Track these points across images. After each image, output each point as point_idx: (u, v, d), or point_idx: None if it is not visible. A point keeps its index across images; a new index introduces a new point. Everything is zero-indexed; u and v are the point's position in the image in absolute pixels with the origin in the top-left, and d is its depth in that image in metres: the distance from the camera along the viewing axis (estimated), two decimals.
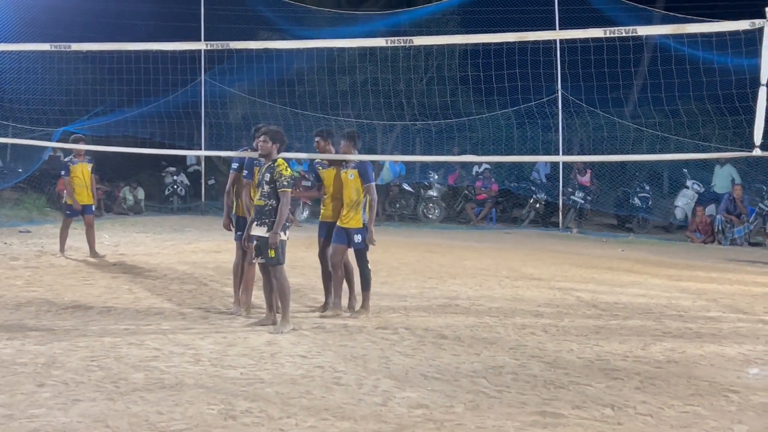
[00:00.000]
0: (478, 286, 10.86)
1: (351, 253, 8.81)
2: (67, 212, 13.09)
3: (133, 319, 8.21)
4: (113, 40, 12.56)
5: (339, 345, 7.32)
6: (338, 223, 8.71)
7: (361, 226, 8.65)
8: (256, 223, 7.92)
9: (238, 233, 8.72)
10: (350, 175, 8.71)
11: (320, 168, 9.05)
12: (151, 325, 7.96)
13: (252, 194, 8.65)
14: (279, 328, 7.79)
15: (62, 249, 12.86)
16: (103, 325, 7.83)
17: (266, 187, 7.84)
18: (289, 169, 7.94)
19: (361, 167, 8.71)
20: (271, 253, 7.75)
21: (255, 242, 7.98)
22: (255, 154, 8.43)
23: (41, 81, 19.61)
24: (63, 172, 12.94)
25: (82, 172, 12.87)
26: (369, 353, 7.02)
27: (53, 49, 11.14)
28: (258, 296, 8.72)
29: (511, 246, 16.00)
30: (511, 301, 9.84)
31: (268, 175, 7.85)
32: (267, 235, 7.78)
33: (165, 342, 7.20)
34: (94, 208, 13.38)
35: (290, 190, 7.84)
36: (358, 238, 8.64)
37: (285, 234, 7.89)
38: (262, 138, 8.00)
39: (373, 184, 8.78)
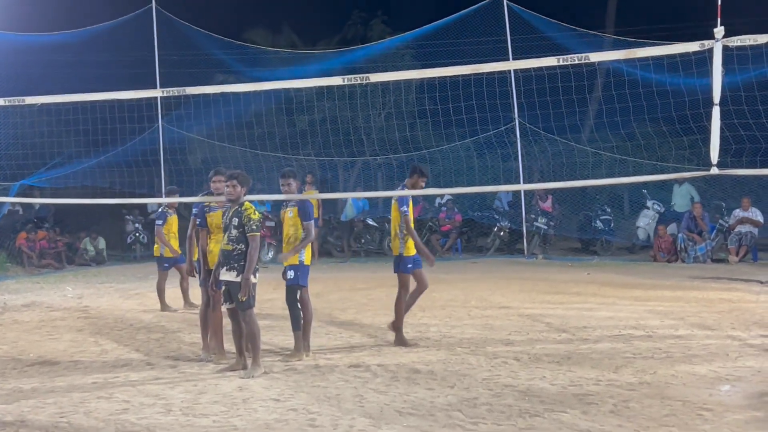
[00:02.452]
0: (447, 318, 10.85)
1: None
2: (165, 265, 12.65)
3: (101, 372, 8.06)
4: (67, 91, 12.43)
5: (312, 386, 7.25)
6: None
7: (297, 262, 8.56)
8: (225, 268, 7.81)
9: (203, 278, 8.65)
10: (290, 213, 8.69)
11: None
12: (119, 377, 7.82)
13: (208, 240, 8.65)
14: (250, 372, 7.70)
15: (164, 305, 12.33)
16: (70, 380, 7.68)
17: (234, 232, 7.75)
18: (257, 212, 7.87)
19: (300, 204, 8.66)
20: (242, 298, 7.67)
21: (223, 287, 7.90)
22: (219, 199, 8.39)
23: None
24: (160, 222, 12.47)
25: (173, 222, 12.62)
26: (342, 392, 6.96)
27: (7, 104, 11.05)
28: (228, 341, 8.62)
29: (479, 275, 16.03)
30: (482, 330, 9.84)
31: (236, 219, 7.76)
32: (237, 279, 7.69)
33: (134, 393, 7.08)
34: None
35: (259, 233, 7.79)
36: (290, 274, 8.55)
37: (255, 277, 7.82)
38: (231, 182, 7.85)
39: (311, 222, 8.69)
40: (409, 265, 9.02)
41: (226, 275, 7.79)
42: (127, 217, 22.52)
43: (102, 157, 20.48)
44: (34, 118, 19.25)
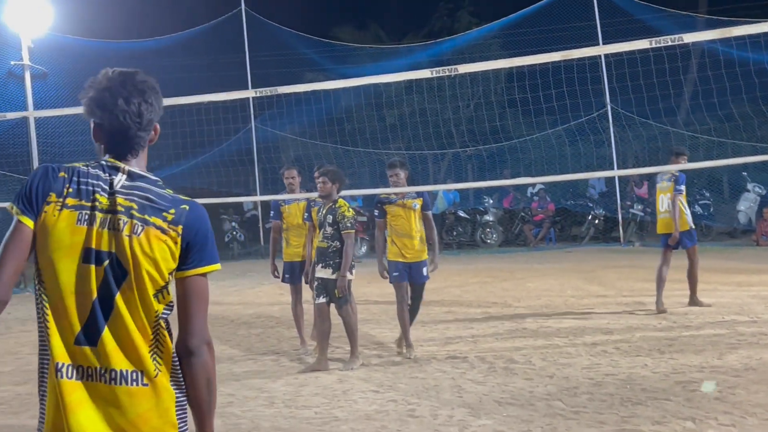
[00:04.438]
0: (543, 308, 10.77)
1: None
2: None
3: None
4: (162, 95, 12.80)
5: (410, 377, 7.31)
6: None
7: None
8: (320, 265, 7.85)
9: (287, 276, 8.81)
10: (414, 205, 8.47)
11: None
12: (223, 370, 8.03)
13: (283, 234, 8.81)
14: (349, 365, 7.80)
15: None
16: None
17: (329, 229, 7.79)
18: (351, 209, 7.91)
19: (425, 196, 8.59)
20: (339, 294, 7.74)
21: (317, 283, 7.95)
22: (313, 195, 8.52)
23: None
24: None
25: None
26: (440, 383, 7.00)
27: None
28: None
29: (574, 264, 15.84)
30: (579, 320, 9.73)
31: (330, 216, 7.80)
32: (332, 276, 7.74)
33: (238, 387, 7.27)
34: None
35: (354, 231, 7.84)
36: (426, 270, 8.46)
37: (351, 273, 7.88)
38: (321, 178, 7.92)
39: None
40: None
41: (322, 272, 7.84)
42: (224, 216, 23.08)
43: (199, 158, 21.03)
44: None
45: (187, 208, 2.49)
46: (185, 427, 2.49)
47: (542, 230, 20.50)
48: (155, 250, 2.38)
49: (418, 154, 21.45)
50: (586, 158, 19.89)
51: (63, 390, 2.32)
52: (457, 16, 27.00)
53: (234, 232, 22.55)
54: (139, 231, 2.37)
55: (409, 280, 8.43)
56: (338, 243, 7.76)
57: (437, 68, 9.65)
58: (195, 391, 2.48)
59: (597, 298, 11.33)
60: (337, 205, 7.85)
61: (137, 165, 2.55)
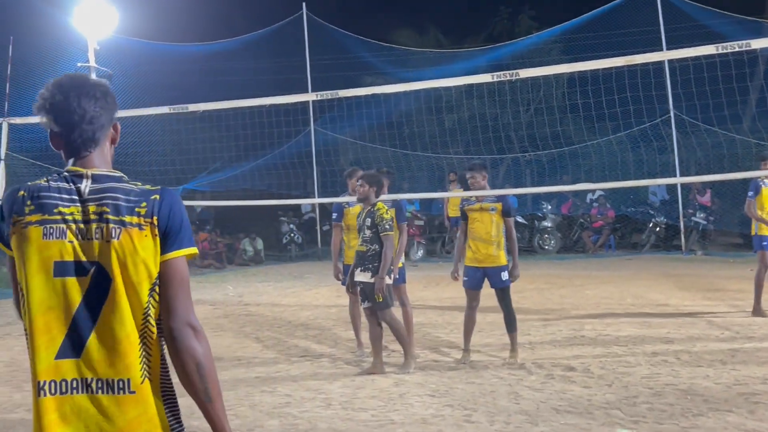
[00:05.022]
0: (602, 316, 10.65)
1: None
2: None
3: (263, 366, 8.40)
4: (224, 98, 13.01)
5: (466, 382, 7.30)
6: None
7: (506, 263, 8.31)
8: (359, 269, 7.85)
9: (345, 278, 8.86)
10: (491, 209, 8.33)
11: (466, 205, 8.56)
12: (281, 372, 8.12)
13: (344, 236, 8.83)
14: (404, 369, 7.79)
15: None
16: (235, 375, 8.03)
17: (367, 232, 7.78)
18: (389, 212, 7.87)
19: (503, 200, 8.43)
20: (378, 298, 7.69)
21: (360, 287, 7.94)
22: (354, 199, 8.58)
23: (160, 142, 20.50)
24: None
25: None
26: (497, 389, 6.97)
27: (171, 111, 11.67)
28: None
29: (634, 272, 15.62)
30: (639, 328, 9.59)
31: (369, 219, 7.79)
32: (371, 280, 7.70)
33: (296, 388, 7.34)
34: None
35: (392, 233, 7.78)
36: (504, 275, 8.28)
37: (390, 278, 7.82)
38: (359, 182, 7.96)
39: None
40: None
41: (361, 276, 7.83)
42: (282, 218, 23.28)
43: (260, 160, 21.25)
44: (196, 124, 20.25)
45: (158, 197, 2.47)
46: (177, 427, 2.47)
47: (601, 237, 20.26)
48: (138, 248, 2.38)
49: (477, 158, 21.35)
50: (648, 165, 19.59)
51: (42, 408, 2.34)
52: (517, 20, 26.87)
53: (292, 234, 22.73)
54: (117, 234, 2.37)
55: (491, 286, 8.32)
56: (377, 246, 7.73)
57: (498, 72, 9.61)
58: (185, 378, 2.44)
59: (657, 307, 11.16)
60: (375, 208, 7.83)
61: (103, 165, 2.55)
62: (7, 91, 15.01)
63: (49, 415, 2.33)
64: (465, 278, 8.37)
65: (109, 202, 2.41)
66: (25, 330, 2.41)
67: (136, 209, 2.42)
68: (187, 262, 2.51)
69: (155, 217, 2.43)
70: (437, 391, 7.00)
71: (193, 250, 2.53)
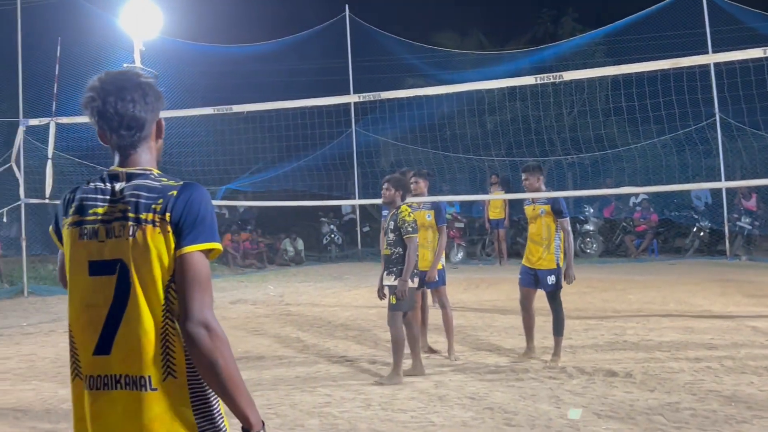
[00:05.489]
0: (645, 321, 10.54)
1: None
2: None
3: (303, 366, 8.44)
4: (267, 99, 13.11)
5: (507, 386, 7.27)
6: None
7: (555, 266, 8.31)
8: (386, 272, 7.80)
9: None
10: (541, 211, 8.35)
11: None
12: (321, 371, 8.16)
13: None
14: (387, 379, 7.56)
15: None
16: (275, 374, 8.09)
17: (391, 236, 7.73)
18: (412, 214, 7.80)
19: (553, 202, 8.39)
20: (393, 300, 7.61)
21: (387, 291, 7.82)
22: (422, 199, 8.58)
23: (204, 143, 20.73)
24: None
25: None
26: (538, 393, 6.93)
27: (216, 112, 11.78)
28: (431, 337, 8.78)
29: (677, 277, 15.42)
30: (682, 334, 9.48)
31: (392, 223, 7.75)
32: (395, 283, 7.63)
33: (335, 388, 7.37)
34: None
35: (415, 235, 7.70)
36: (552, 279, 8.31)
37: (413, 281, 7.75)
38: (384, 186, 7.94)
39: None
40: None
41: (387, 279, 7.78)
42: (323, 219, 23.40)
43: (302, 161, 21.38)
44: (239, 125, 20.45)
45: (175, 193, 2.47)
46: (208, 426, 2.48)
47: (644, 241, 20.04)
48: (151, 244, 2.41)
49: (519, 161, 21.26)
50: (693, 169, 19.34)
51: (86, 401, 2.44)
52: (560, 22, 26.72)
53: (332, 235, 22.85)
54: (134, 232, 2.41)
55: (541, 288, 8.41)
56: (401, 249, 7.67)
57: (541, 75, 9.56)
58: (205, 377, 2.45)
59: (701, 312, 11.02)
60: (398, 211, 7.78)
61: (145, 163, 2.60)
62: (55, 91, 15.26)
63: (91, 407, 2.43)
64: (519, 276, 8.58)
65: (132, 200, 2.46)
66: (69, 325, 2.51)
67: (153, 206, 2.45)
68: (207, 258, 2.49)
69: (168, 213, 2.44)
70: (477, 394, 6.98)
71: (212, 245, 2.50)
